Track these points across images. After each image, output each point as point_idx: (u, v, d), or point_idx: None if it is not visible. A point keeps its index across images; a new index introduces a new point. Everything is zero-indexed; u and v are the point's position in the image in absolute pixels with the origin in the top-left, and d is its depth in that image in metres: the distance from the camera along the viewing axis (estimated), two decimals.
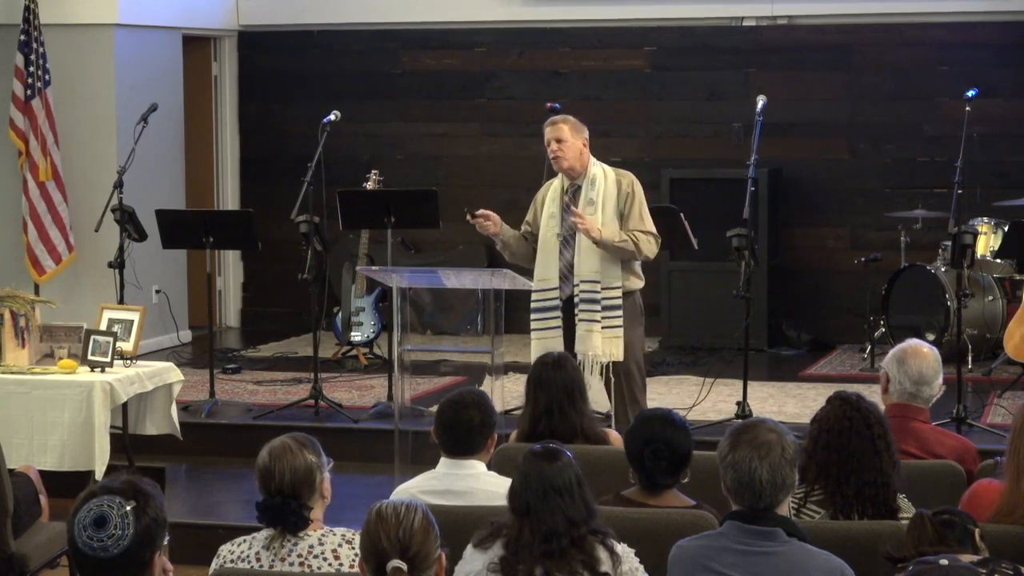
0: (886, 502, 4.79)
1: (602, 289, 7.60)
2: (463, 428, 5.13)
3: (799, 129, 11.73)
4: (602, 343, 7.59)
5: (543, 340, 7.63)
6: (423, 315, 10.04)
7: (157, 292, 11.40)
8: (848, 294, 11.48)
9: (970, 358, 9.63)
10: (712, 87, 11.94)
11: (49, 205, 10.82)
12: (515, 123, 12.23)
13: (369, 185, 10.50)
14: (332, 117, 9.63)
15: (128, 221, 9.24)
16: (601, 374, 7.60)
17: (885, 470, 4.80)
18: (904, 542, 4.03)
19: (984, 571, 3.79)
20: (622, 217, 7.63)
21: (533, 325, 7.71)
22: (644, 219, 7.66)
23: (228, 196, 12.81)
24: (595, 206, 7.60)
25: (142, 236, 9.35)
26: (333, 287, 11.65)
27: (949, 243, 9.12)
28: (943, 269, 10.35)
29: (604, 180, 7.66)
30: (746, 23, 11.96)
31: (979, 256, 9.97)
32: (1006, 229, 9.79)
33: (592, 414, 6.06)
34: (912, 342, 5.59)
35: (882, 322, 10.55)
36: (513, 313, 9.35)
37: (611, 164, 7.88)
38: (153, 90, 10.90)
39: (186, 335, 11.84)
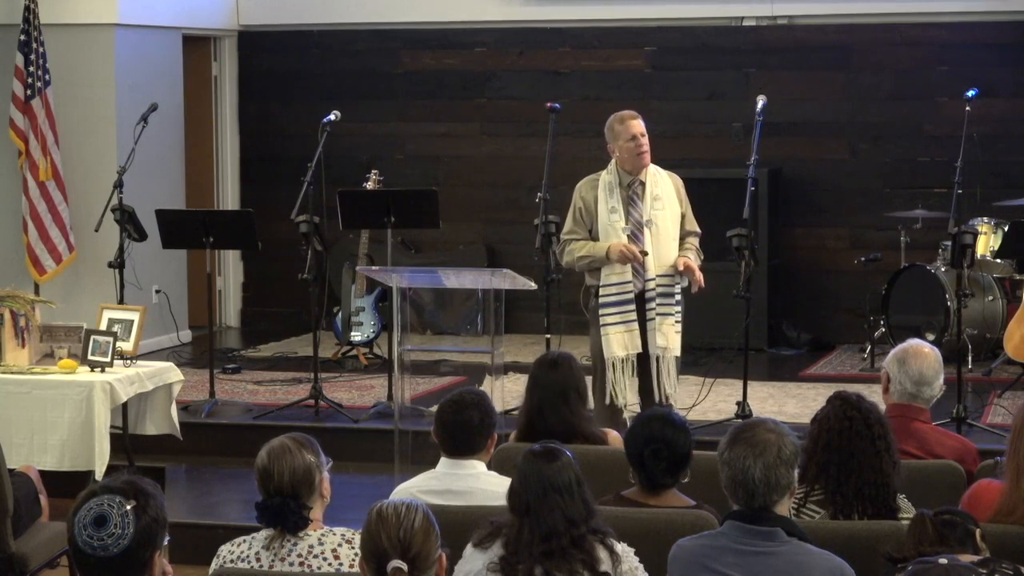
0: (886, 502, 4.79)
1: (675, 283, 7.64)
2: (463, 428, 5.12)
3: (799, 129, 11.72)
4: (675, 337, 7.63)
5: (622, 334, 7.58)
6: (423, 315, 10.02)
7: (157, 292, 11.39)
8: (848, 294, 11.47)
9: (970, 358, 9.63)
10: (712, 87, 11.94)
11: (49, 205, 10.81)
12: (515, 123, 12.23)
13: (369, 185, 10.50)
14: (332, 117, 9.63)
15: (128, 221, 9.24)
16: (675, 367, 7.65)
17: (885, 470, 4.80)
18: (904, 542, 4.03)
19: (984, 571, 3.79)
20: (682, 217, 7.71)
21: (607, 320, 7.60)
22: (693, 218, 7.79)
23: (228, 196, 12.81)
24: (661, 201, 7.64)
25: (142, 236, 9.35)
26: (333, 287, 11.65)
27: (949, 243, 9.12)
28: (943, 269, 10.34)
29: (662, 178, 7.71)
30: (746, 23, 11.96)
31: (979, 256, 9.97)
32: (1006, 229, 9.79)
33: (588, 414, 6.04)
34: (913, 342, 5.60)
35: (882, 322, 10.55)
36: (513, 313, 9.35)
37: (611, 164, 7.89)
38: (153, 90, 10.90)
39: (186, 335, 11.84)
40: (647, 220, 7.60)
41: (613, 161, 7.73)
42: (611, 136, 7.71)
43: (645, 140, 7.64)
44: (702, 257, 7.78)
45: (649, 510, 4.82)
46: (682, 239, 7.72)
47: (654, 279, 7.58)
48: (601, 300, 7.62)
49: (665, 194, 7.66)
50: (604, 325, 7.60)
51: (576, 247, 7.70)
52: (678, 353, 7.68)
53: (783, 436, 4.05)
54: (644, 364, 7.63)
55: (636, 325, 7.58)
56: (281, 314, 12.41)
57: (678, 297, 7.65)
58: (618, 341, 7.58)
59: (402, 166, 12.37)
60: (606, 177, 7.71)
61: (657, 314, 7.58)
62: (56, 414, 7.69)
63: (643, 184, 7.65)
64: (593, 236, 7.67)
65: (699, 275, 7.62)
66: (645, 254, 7.54)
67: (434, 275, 7.98)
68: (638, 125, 7.64)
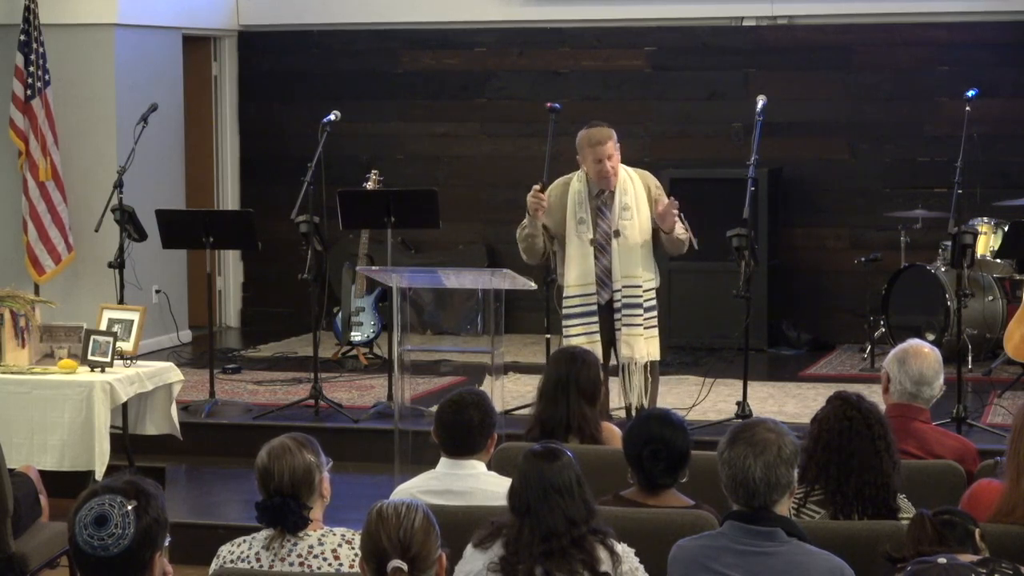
0: (886, 502, 4.79)
1: (643, 292, 7.70)
2: (463, 428, 5.12)
3: (799, 129, 11.72)
4: (645, 344, 7.70)
5: (584, 345, 7.56)
6: (423, 315, 10.03)
7: (157, 292, 11.39)
8: (848, 294, 11.47)
9: (970, 358, 9.63)
10: (712, 87, 11.94)
11: (49, 205, 10.81)
12: (515, 123, 12.23)
13: (369, 185, 10.50)
14: (332, 117, 9.63)
15: (128, 221, 9.24)
16: (643, 373, 7.71)
17: (885, 470, 4.80)
18: (904, 542, 4.03)
19: (984, 571, 3.79)
20: (652, 221, 7.75)
21: (571, 331, 7.74)
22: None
23: (228, 196, 12.81)
24: (630, 210, 7.71)
25: (142, 236, 9.34)
26: (333, 287, 11.64)
27: (949, 243, 9.12)
28: (943, 269, 10.35)
29: (633, 184, 7.76)
30: (746, 23, 11.96)
31: (979, 256, 9.97)
32: (1006, 229, 9.79)
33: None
34: (913, 342, 5.60)
35: (882, 322, 10.55)
36: (513, 313, 9.35)
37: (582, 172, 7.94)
38: (153, 90, 10.90)
39: (186, 335, 11.84)
40: (615, 231, 7.71)
41: (583, 170, 7.84)
42: (580, 151, 7.82)
43: (612, 162, 7.70)
44: (690, 237, 7.83)
45: (649, 510, 4.82)
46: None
47: (620, 289, 7.68)
48: (564, 311, 7.75)
49: (634, 201, 7.73)
50: (566, 336, 7.74)
51: (519, 227, 7.88)
52: (655, 358, 7.77)
53: (783, 436, 4.05)
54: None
55: (598, 336, 7.69)
56: (281, 314, 12.41)
57: (647, 305, 7.74)
58: None
59: (402, 166, 12.37)
60: (576, 185, 7.81)
61: (623, 324, 7.70)
62: (56, 414, 7.69)
63: (612, 194, 7.74)
64: (550, 236, 7.80)
65: (672, 202, 7.65)
66: (540, 190, 7.67)
67: (434, 275, 7.98)
68: (604, 150, 7.70)
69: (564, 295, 7.77)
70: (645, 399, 7.77)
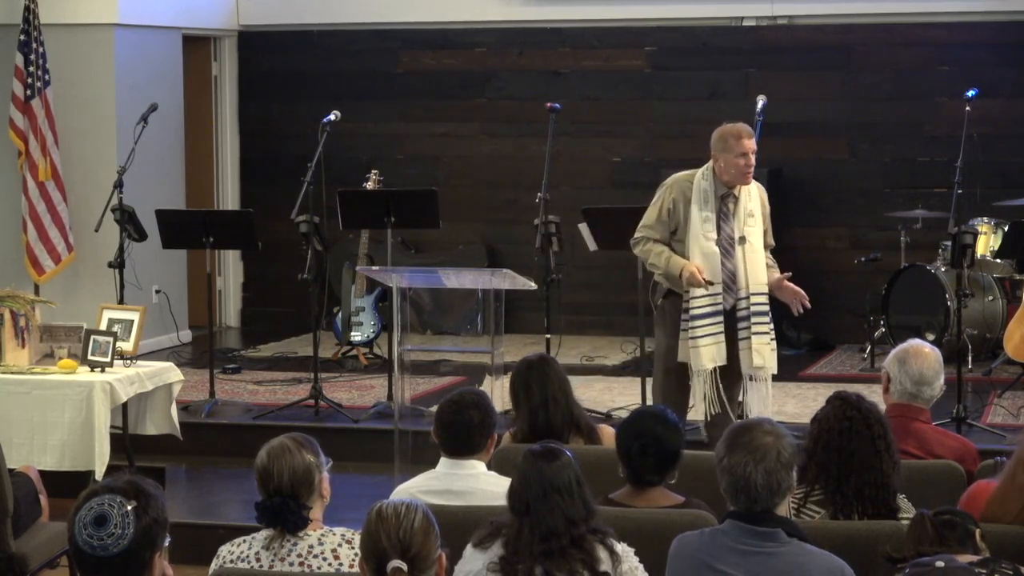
0: (886, 502, 4.79)
1: (768, 300, 7.43)
2: (463, 428, 5.13)
3: (799, 129, 11.72)
4: (772, 355, 7.43)
5: (711, 347, 7.38)
6: (423, 315, 10.04)
7: (157, 292, 11.40)
8: (848, 294, 11.47)
9: (970, 358, 9.62)
10: (712, 87, 11.94)
11: (49, 205, 10.81)
12: (515, 123, 12.22)
13: (369, 185, 10.50)
14: (332, 117, 9.63)
15: (128, 221, 9.25)
16: (769, 384, 7.45)
17: (885, 470, 4.80)
18: (904, 542, 4.03)
19: (984, 571, 3.79)
20: (764, 232, 7.51)
21: (695, 332, 7.36)
22: (771, 231, 7.60)
23: (228, 196, 12.81)
24: (754, 218, 7.41)
25: (142, 236, 9.35)
26: (333, 287, 11.65)
27: (949, 243, 9.12)
28: (943, 269, 10.34)
29: (754, 192, 7.46)
30: (746, 23, 11.96)
31: (979, 256, 9.97)
32: (1006, 229, 9.79)
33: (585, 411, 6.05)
34: (913, 342, 5.60)
35: (882, 322, 10.55)
36: (513, 313, 9.34)
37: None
38: (153, 90, 10.90)
39: (186, 335, 11.84)
40: (740, 237, 7.40)
41: (711, 168, 7.44)
42: (720, 147, 7.40)
43: (752, 157, 7.39)
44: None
45: (648, 510, 4.82)
46: None
47: (747, 297, 7.39)
48: (692, 312, 7.38)
49: (756, 210, 7.44)
50: (694, 337, 7.39)
51: (653, 250, 7.45)
52: (775, 371, 7.49)
53: (781, 438, 4.03)
54: (728, 376, 7.45)
55: (723, 338, 7.39)
56: (281, 314, 12.41)
57: (770, 315, 7.46)
58: (708, 354, 7.37)
59: (402, 166, 12.37)
60: (702, 183, 7.43)
61: (752, 333, 7.39)
62: (56, 414, 7.69)
63: (736, 199, 7.41)
64: (676, 239, 7.44)
65: (802, 293, 7.41)
66: (711, 284, 7.31)
67: (434, 275, 7.98)
68: (751, 144, 7.39)
69: (690, 294, 7.36)
70: (769, 409, 7.42)
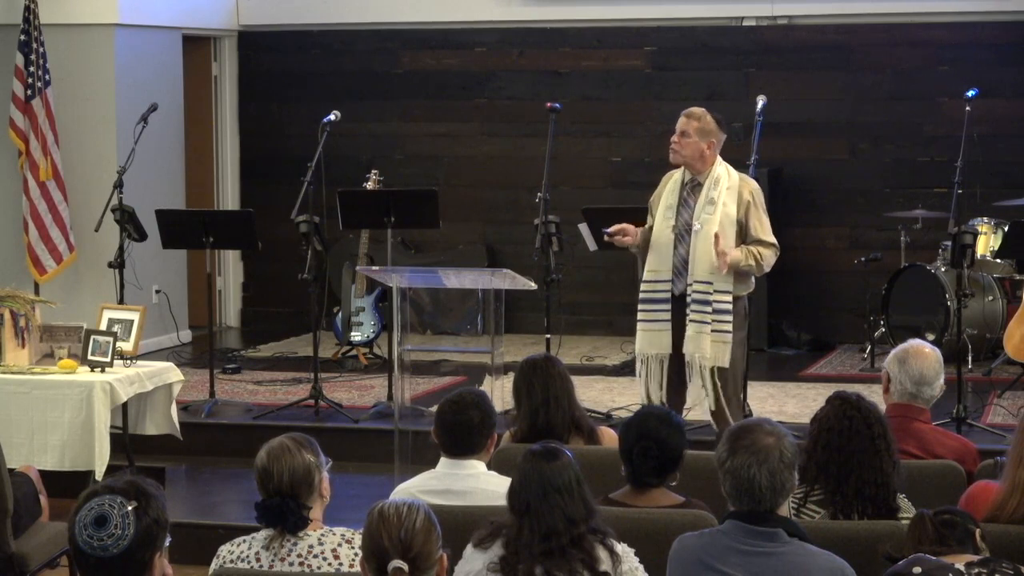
0: (886, 502, 4.79)
1: (714, 292, 7.35)
2: (463, 428, 5.13)
3: (799, 129, 11.73)
4: (711, 347, 7.36)
5: (650, 332, 7.44)
6: (423, 315, 10.04)
7: (157, 292, 11.40)
8: (848, 294, 11.47)
9: (970, 358, 9.63)
10: (712, 87, 11.94)
11: (49, 205, 10.82)
12: (515, 123, 12.23)
13: (369, 185, 10.50)
14: (332, 117, 9.63)
15: (128, 221, 9.25)
16: (708, 378, 7.38)
17: (885, 470, 4.80)
18: (904, 542, 4.03)
19: (984, 571, 3.79)
20: (740, 225, 7.41)
21: (641, 316, 7.48)
22: (764, 228, 7.46)
23: (228, 196, 12.82)
24: (714, 206, 7.38)
25: (142, 236, 9.35)
26: (333, 287, 11.65)
27: (949, 243, 9.12)
28: (943, 269, 10.35)
29: (726, 182, 7.43)
30: (746, 23, 11.97)
31: (979, 256, 9.97)
32: (1006, 229, 9.79)
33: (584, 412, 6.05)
34: (914, 342, 5.60)
35: (882, 322, 10.55)
36: (513, 313, 9.34)
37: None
38: (153, 90, 10.90)
39: (186, 335, 11.85)
40: (693, 224, 7.38)
41: None
42: None
43: (680, 140, 7.39)
44: (759, 264, 7.41)
45: (647, 510, 4.81)
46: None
47: (691, 284, 7.38)
48: (640, 295, 7.50)
49: (720, 199, 7.38)
50: (639, 321, 7.50)
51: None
52: (721, 364, 7.37)
53: (782, 438, 4.04)
54: (678, 365, 7.45)
55: (667, 326, 7.41)
56: (281, 314, 12.41)
57: (719, 307, 7.35)
58: (647, 339, 7.45)
59: (402, 166, 12.37)
60: (678, 174, 7.54)
61: (690, 320, 7.38)
62: (56, 414, 7.69)
63: (700, 186, 7.43)
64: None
65: (726, 258, 7.27)
66: (614, 236, 7.48)
67: (434, 275, 7.97)
68: (683, 121, 7.43)
69: (642, 279, 7.49)
70: (709, 403, 7.40)
